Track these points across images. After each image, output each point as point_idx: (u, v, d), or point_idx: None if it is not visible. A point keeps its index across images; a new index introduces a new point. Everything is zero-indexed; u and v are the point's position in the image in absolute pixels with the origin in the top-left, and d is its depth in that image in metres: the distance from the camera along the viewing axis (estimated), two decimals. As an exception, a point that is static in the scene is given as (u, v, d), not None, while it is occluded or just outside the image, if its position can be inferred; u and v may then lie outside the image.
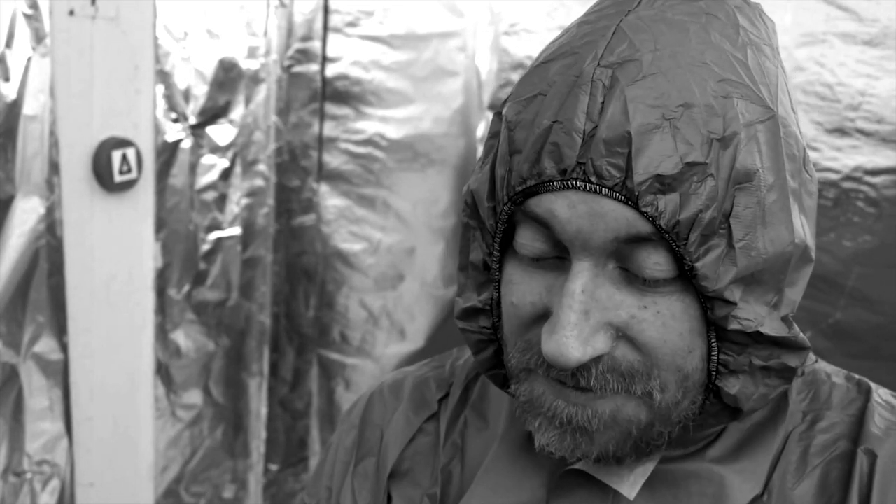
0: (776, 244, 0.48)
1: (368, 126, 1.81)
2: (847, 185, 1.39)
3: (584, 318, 0.48)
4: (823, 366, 0.61)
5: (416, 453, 0.66)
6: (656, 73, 0.47)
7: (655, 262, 0.48)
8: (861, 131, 1.38)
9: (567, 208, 0.48)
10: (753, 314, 0.49)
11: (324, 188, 1.86)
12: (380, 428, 0.69)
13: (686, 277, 0.48)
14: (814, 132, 1.42)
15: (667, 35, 0.49)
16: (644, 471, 0.56)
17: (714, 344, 0.50)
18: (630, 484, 0.55)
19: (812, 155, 1.42)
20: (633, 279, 0.49)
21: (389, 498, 0.66)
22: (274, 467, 1.92)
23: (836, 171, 1.40)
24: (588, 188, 0.47)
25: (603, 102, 0.47)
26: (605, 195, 0.47)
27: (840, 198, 1.40)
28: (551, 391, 0.52)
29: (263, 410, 1.90)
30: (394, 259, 1.82)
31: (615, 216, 0.47)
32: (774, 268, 0.49)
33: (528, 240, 0.51)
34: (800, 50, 1.41)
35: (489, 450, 0.63)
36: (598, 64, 0.48)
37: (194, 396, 1.74)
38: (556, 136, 0.48)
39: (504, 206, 0.51)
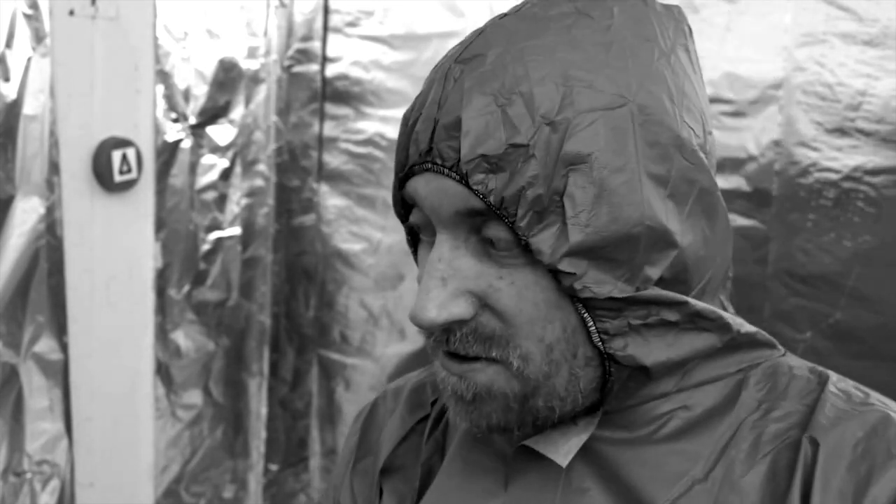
0: (620, 223, 0.51)
1: (368, 126, 1.81)
2: (847, 185, 1.39)
3: (441, 283, 0.54)
4: (789, 359, 0.62)
5: (408, 451, 0.69)
6: (497, 65, 0.53)
7: (497, 234, 0.53)
8: (861, 131, 1.38)
9: (424, 186, 0.55)
10: (602, 285, 0.52)
11: (324, 188, 1.86)
12: (380, 430, 0.73)
13: (529, 251, 0.52)
14: (814, 132, 1.41)
15: (521, 32, 0.54)
16: (578, 441, 0.58)
17: (586, 315, 0.53)
18: (564, 453, 0.58)
19: (812, 155, 1.42)
20: (493, 254, 0.54)
21: (382, 493, 0.69)
22: (274, 467, 1.92)
23: (836, 171, 1.40)
24: (436, 169, 0.53)
25: (448, 93, 0.53)
26: (447, 175, 0.53)
27: (840, 198, 1.40)
28: (442, 364, 0.58)
29: (263, 410, 1.90)
30: (394, 259, 1.82)
31: (454, 192, 0.53)
32: (622, 246, 0.52)
33: (413, 217, 0.58)
34: (800, 50, 1.41)
35: None
36: (455, 60, 0.55)
37: (194, 396, 1.74)
38: (419, 126, 0.55)
39: (397, 192, 0.58)
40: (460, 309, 0.54)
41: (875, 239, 1.38)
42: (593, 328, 0.54)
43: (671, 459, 0.56)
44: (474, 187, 0.52)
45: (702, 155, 0.56)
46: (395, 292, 1.82)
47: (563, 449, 0.58)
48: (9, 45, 1.29)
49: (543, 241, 0.51)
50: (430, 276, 0.54)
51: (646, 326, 0.54)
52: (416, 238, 0.62)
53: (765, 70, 1.43)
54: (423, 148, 0.54)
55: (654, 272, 0.53)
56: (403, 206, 0.60)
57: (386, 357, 1.84)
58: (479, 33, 0.56)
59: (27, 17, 1.31)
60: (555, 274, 0.52)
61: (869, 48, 1.37)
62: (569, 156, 0.51)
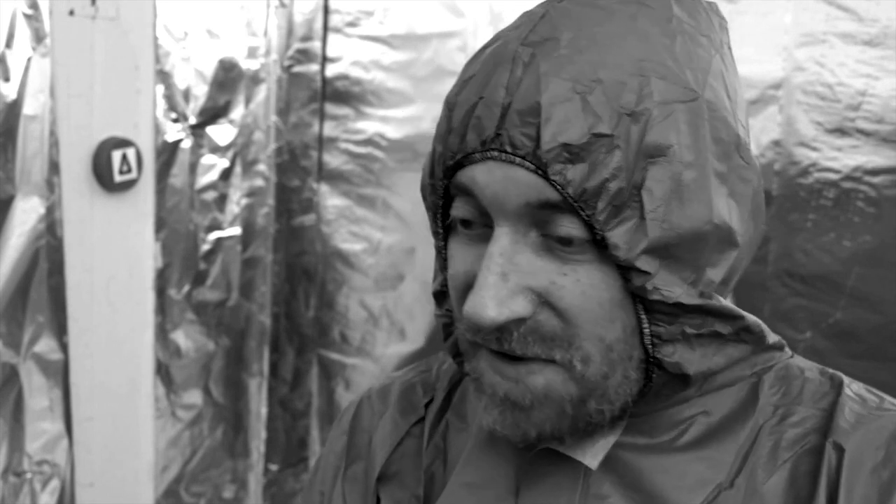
0: (692, 220, 0.50)
1: (368, 126, 1.81)
2: (847, 185, 1.39)
3: (501, 279, 0.50)
4: (798, 361, 0.61)
5: (404, 456, 0.67)
6: (573, 50, 0.50)
7: (568, 228, 0.50)
8: (861, 131, 1.38)
9: (486, 174, 0.51)
10: (671, 287, 0.51)
11: (324, 188, 1.86)
12: (368, 433, 0.70)
13: (601, 246, 0.50)
14: (814, 132, 1.42)
15: (591, 18, 0.52)
16: (605, 444, 0.57)
17: (643, 316, 0.52)
18: (592, 455, 0.57)
19: (812, 155, 1.42)
20: (555, 248, 0.51)
21: (378, 500, 0.67)
22: (274, 467, 1.92)
23: (836, 171, 1.40)
24: (504, 157, 0.50)
25: (520, 77, 0.50)
26: (518, 164, 0.49)
27: (840, 198, 1.40)
28: (489, 366, 0.54)
29: (263, 410, 1.90)
30: (394, 259, 1.82)
31: (526, 182, 0.49)
32: (691, 245, 0.50)
33: (459, 209, 0.54)
34: (800, 50, 1.41)
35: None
36: (521, 43, 0.51)
37: (194, 396, 1.74)
38: (479, 111, 0.51)
39: (440, 181, 0.54)
40: (520, 306, 0.51)
41: (875, 239, 1.38)
42: (647, 331, 0.52)
43: (695, 467, 0.55)
44: (552, 178, 0.49)
45: (752, 154, 0.55)
46: (395, 292, 1.82)
47: (591, 451, 0.57)
48: (9, 45, 1.29)
49: (620, 236, 0.49)
50: (490, 271, 0.50)
51: (697, 336, 0.52)
52: (446, 228, 0.58)
53: (765, 70, 1.43)
54: (489, 134, 0.50)
55: (715, 274, 0.52)
56: (444, 196, 0.56)
57: (386, 357, 1.84)
58: (540, 16, 0.53)
59: (27, 17, 1.31)
60: (624, 272, 0.50)
61: (869, 48, 1.37)
62: (649, 148, 0.49)
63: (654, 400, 0.55)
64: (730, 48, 0.57)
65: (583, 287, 0.50)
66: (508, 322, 0.51)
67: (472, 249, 0.54)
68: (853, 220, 1.39)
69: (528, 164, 0.49)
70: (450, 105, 0.54)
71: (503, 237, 0.51)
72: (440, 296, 0.60)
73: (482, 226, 0.53)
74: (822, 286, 1.42)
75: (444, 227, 0.57)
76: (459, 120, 0.52)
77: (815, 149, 1.42)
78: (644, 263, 0.49)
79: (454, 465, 0.64)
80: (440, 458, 0.65)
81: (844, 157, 1.40)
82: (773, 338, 0.58)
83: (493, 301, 0.50)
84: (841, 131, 1.40)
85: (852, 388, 0.58)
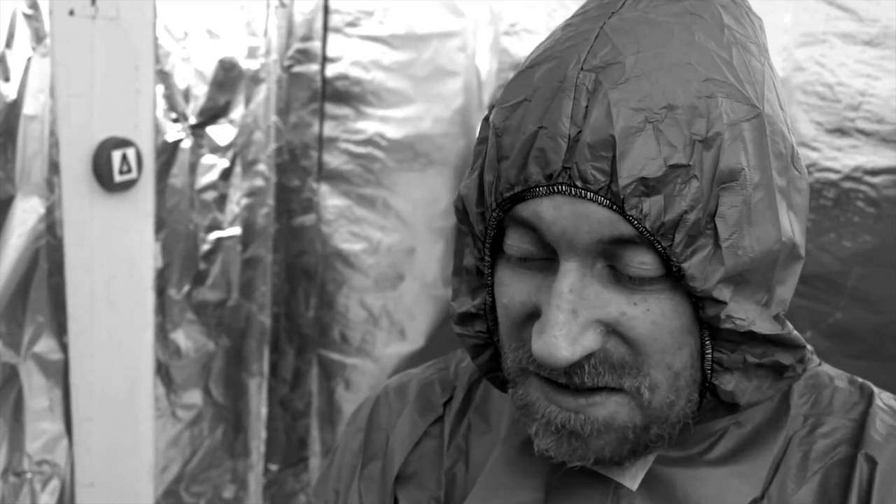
0: (763, 243, 0.49)
1: (368, 126, 1.81)
2: (847, 185, 1.39)
3: (572, 316, 0.48)
4: (827, 369, 0.61)
5: (422, 457, 0.66)
6: (639, 75, 0.47)
7: (641, 262, 0.48)
8: (861, 131, 1.38)
9: (552, 210, 0.48)
10: (745, 313, 0.49)
11: (324, 188, 1.86)
12: (385, 431, 0.69)
13: (674, 276, 0.48)
14: (814, 132, 1.41)
15: (650, 37, 0.49)
16: (645, 463, 0.56)
17: (708, 342, 0.50)
18: (632, 475, 0.56)
19: (812, 155, 1.42)
20: (622, 277, 0.49)
21: (396, 501, 0.66)
22: (274, 467, 1.92)
23: (836, 171, 1.40)
24: (574, 192, 0.47)
25: (587, 107, 0.47)
26: (591, 199, 0.47)
27: (840, 198, 1.40)
28: (545, 396, 0.52)
29: (263, 410, 1.90)
30: (394, 259, 1.82)
31: (598, 218, 0.47)
32: (762, 266, 0.49)
33: (516, 241, 0.51)
34: (800, 50, 1.41)
35: (492, 452, 0.63)
36: (582, 68, 0.48)
37: (194, 396, 1.74)
38: (541, 142, 0.48)
39: (493, 212, 0.52)
40: (591, 341, 0.49)
41: (875, 239, 1.38)
42: (709, 356, 0.51)
43: (731, 482, 0.54)
44: (629, 213, 0.46)
45: (802, 162, 0.53)
46: (395, 292, 1.82)
47: (630, 471, 0.56)
48: (9, 45, 1.29)
49: (696, 266, 0.47)
50: (560, 310, 0.48)
51: (757, 366, 0.51)
52: (493, 256, 0.55)
53: (765, 70, 1.43)
54: (556, 168, 0.47)
55: (785, 292, 0.51)
56: (497, 227, 0.52)
57: (386, 357, 1.84)
58: (596, 35, 0.50)
59: (27, 17, 1.31)
60: (697, 300, 0.49)
61: (869, 48, 1.37)
62: (723, 174, 0.47)
63: (697, 422, 0.54)
64: (768, 50, 0.56)
65: (654, 317, 0.49)
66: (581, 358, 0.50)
67: (529, 279, 0.52)
68: (853, 220, 1.39)
69: (601, 199, 0.47)
70: (498, 130, 0.51)
71: (571, 272, 0.49)
72: (468, 317, 0.58)
73: (542, 258, 0.51)
74: (822, 286, 1.42)
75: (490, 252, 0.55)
76: (517, 150, 0.49)
77: (815, 149, 1.42)
78: (720, 293, 0.48)
79: (477, 467, 0.63)
80: (462, 459, 0.64)
81: (844, 157, 1.40)
82: (810, 351, 0.57)
83: (565, 340, 0.48)
84: (841, 131, 1.40)
85: (882, 398, 0.58)
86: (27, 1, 1.31)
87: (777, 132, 0.50)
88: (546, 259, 0.51)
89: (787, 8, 1.42)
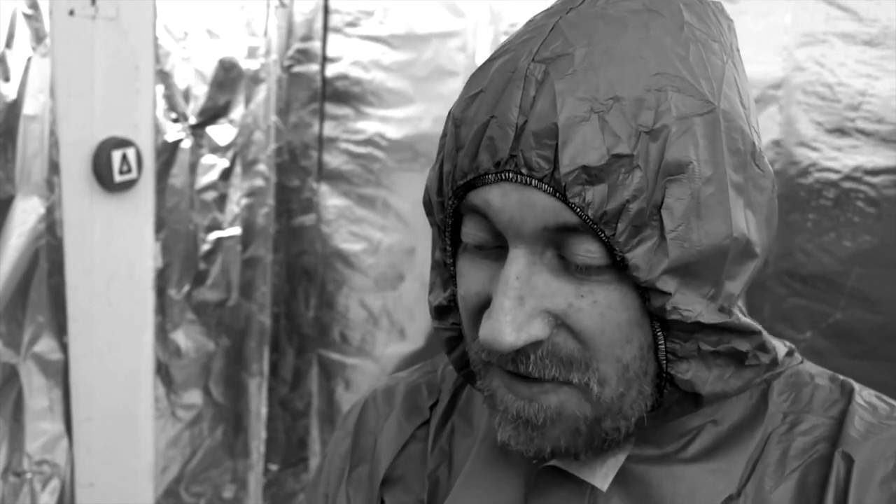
0: (712, 237, 0.49)
1: (368, 126, 1.81)
2: (847, 185, 1.39)
3: (518, 303, 0.49)
4: (808, 367, 0.60)
5: (409, 460, 0.66)
6: (587, 67, 0.48)
7: (587, 250, 0.49)
8: (861, 131, 1.39)
9: (500, 197, 0.49)
10: (691, 305, 0.49)
11: (324, 188, 1.86)
12: (373, 435, 0.70)
13: (620, 267, 0.49)
14: (814, 132, 1.42)
15: (603, 31, 0.50)
16: (616, 462, 0.56)
17: (660, 333, 0.51)
18: (602, 475, 0.56)
19: (812, 155, 1.42)
20: (571, 267, 0.50)
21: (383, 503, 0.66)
22: (274, 467, 1.92)
23: (836, 171, 1.40)
24: (520, 180, 0.48)
25: (534, 96, 0.48)
26: (535, 186, 0.48)
27: (840, 198, 1.40)
28: (503, 384, 0.53)
29: (263, 410, 1.90)
30: (394, 259, 1.82)
31: (543, 206, 0.48)
32: (711, 261, 0.49)
33: (471, 229, 0.52)
34: (800, 50, 1.41)
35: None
36: (533, 59, 0.49)
37: (194, 396, 1.74)
38: (492, 131, 0.49)
39: (449, 200, 0.53)
40: (538, 330, 0.50)
41: (875, 239, 1.38)
42: (662, 347, 0.51)
43: (706, 479, 0.54)
44: (571, 201, 0.47)
45: (766, 160, 0.53)
46: (395, 292, 1.82)
47: (600, 471, 0.56)
48: (9, 45, 1.29)
49: (640, 256, 0.48)
50: (506, 296, 0.49)
51: (714, 354, 0.51)
52: (454, 244, 0.56)
53: (765, 70, 1.43)
54: (503, 156, 0.49)
55: (735, 287, 0.51)
56: (453, 215, 0.54)
57: (386, 357, 1.84)
58: (550, 29, 0.51)
59: (27, 17, 1.31)
60: (643, 291, 0.49)
61: (869, 48, 1.37)
62: (669, 166, 0.47)
63: (665, 416, 0.54)
64: (738, 51, 0.56)
65: (601, 309, 0.49)
66: (526, 346, 0.50)
67: (485, 269, 0.53)
68: (853, 220, 1.39)
69: (545, 186, 0.48)
70: (456, 121, 0.52)
71: (519, 259, 0.50)
72: (443, 310, 0.59)
73: (495, 246, 0.52)
74: (822, 286, 1.42)
75: (451, 243, 0.56)
76: (469, 139, 0.50)
77: (815, 149, 1.42)
78: (664, 284, 0.48)
79: (459, 470, 0.63)
80: (445, 462, 0.64)
81: (844, 157, 1.40)
82: (783, 350, 0.57)
83: (510, 326, 0.49)
84: (841, 131, 1.40)
85: (863, 395, 0.57)
86: (27, 1, 1.31)
87: (735, 129, 0.50)
88: (500, 248, 0.52)
89: (787, 8, 1.42)
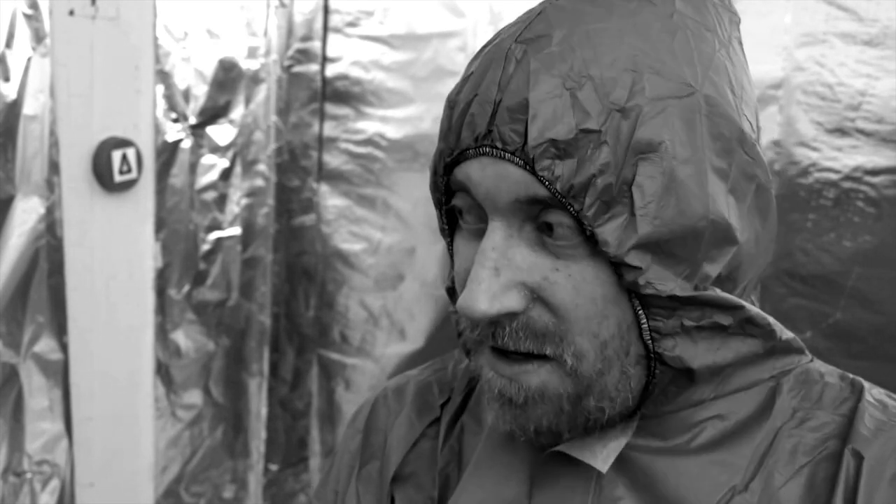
0: (686, 217, 0.50)
1: (368, 126, 1.81)
2: (847, 185, 1.39)
3: (493, 274, 0.51)
4: (818, 365, 0.61)
5: (419, 457, 0.66)
6: (566, 47, 0.50)
7: (559, 223, 0.50)
8: (861, 131, 1.38)
9: (479, 171, 0.52)
10: (664, 281, 0.50)
11: (324, 188, 1.86)
12: (383, 432, 0.70)
13: (594, 242, 0.50)
14: (814, 132, 1.41)
15: (587, 14, 0.52)
16: (617, 445, 0.56)
17: (641, 311, 0.51)
18: (603, 458, 0.56)
19: (812, 155, 1.42)
20: (548, 243, 0.51)
21: (393, 501, 0.66)
22: (274, 467, 1.92)
23: (836, 171, 1.40)
24: (495, 153, 0.51)
25: (511, 74, 0.50)
26: (508, 160, 0.50)
27: (840, 198, 1.40)
28: (488, 363, 0.55)
29: (263, 410, 1.90)
30: (394, 259, 1.82)
31: (515, 179, 0.50)
32: (685, 240, 0.50)
33: (457, 204, 0.55)
34: (800, 50, 1.41)
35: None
36: (516, 40, 0.52)
37: (194, 396, 1.74)
38: (474, 108, 0.52)
39: (440, 177, 0.55)
40: (513, 301, 0.51)
41: (875, 239, 1.38)
42: (645, 325, 0.52)
43: (710, 470, 0.55)
44: (540, 174, 0.49)
45: (759, 149, 0.54)
46: (395, 292, 1.82)
47: (601, 454, 0.56)
48: (9, 45, 1.29)
49: (610, 232, 0.49)
50: (482, 266, 0.51)
51: (697, 329, 0.52)
52: (453, 225, 0.58)
53: (764, 70, 1.43)
54: (481, 131, 0.51)
55: (713, 269, 0.52)
56: (445, 192, 0.56)
57: (386, 357, 1.84)
58: (537, 14, 0.53)
59: (27, 17, 1.31)
60: (616, 267, 0.50)
61: (869, 48, 1.37)
62: (640, 144, 0.49)
63: (663, 399, 0.55)
64: (740, 43, 0.57)
65: (575, 282, 0.51)
66: (501, 316, 0.51)
67: (473, 245, 0.54)
68: (853, 220, 1.39)
69: (516, 159, 0.50)
70: (451, 103, 0.55)
71: (496, 232, 0.52)
72: (452, 291, 0.61)
73: (481, 220, 0.54)
74: (822, 286, 1.42)
75: (449, 224, 0.58)
76: (457, 118, 0.53)
77: (815, 149, 1.42)
78: (634, 259, 0.50)
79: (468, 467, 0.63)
80: (455, 460, 0.65)
81: (844, 157, 1.40)
82: (787, 335, 0.58)
83: (484, 295, 0.50)
84: (841, 131, 1.40)
85: (873, 393, 0.57)
86: (27, 1, 1.31)
87: (719, 114, 0.51)
88: (485, 223, 0.54)
89: (787, 8, 1.42)
